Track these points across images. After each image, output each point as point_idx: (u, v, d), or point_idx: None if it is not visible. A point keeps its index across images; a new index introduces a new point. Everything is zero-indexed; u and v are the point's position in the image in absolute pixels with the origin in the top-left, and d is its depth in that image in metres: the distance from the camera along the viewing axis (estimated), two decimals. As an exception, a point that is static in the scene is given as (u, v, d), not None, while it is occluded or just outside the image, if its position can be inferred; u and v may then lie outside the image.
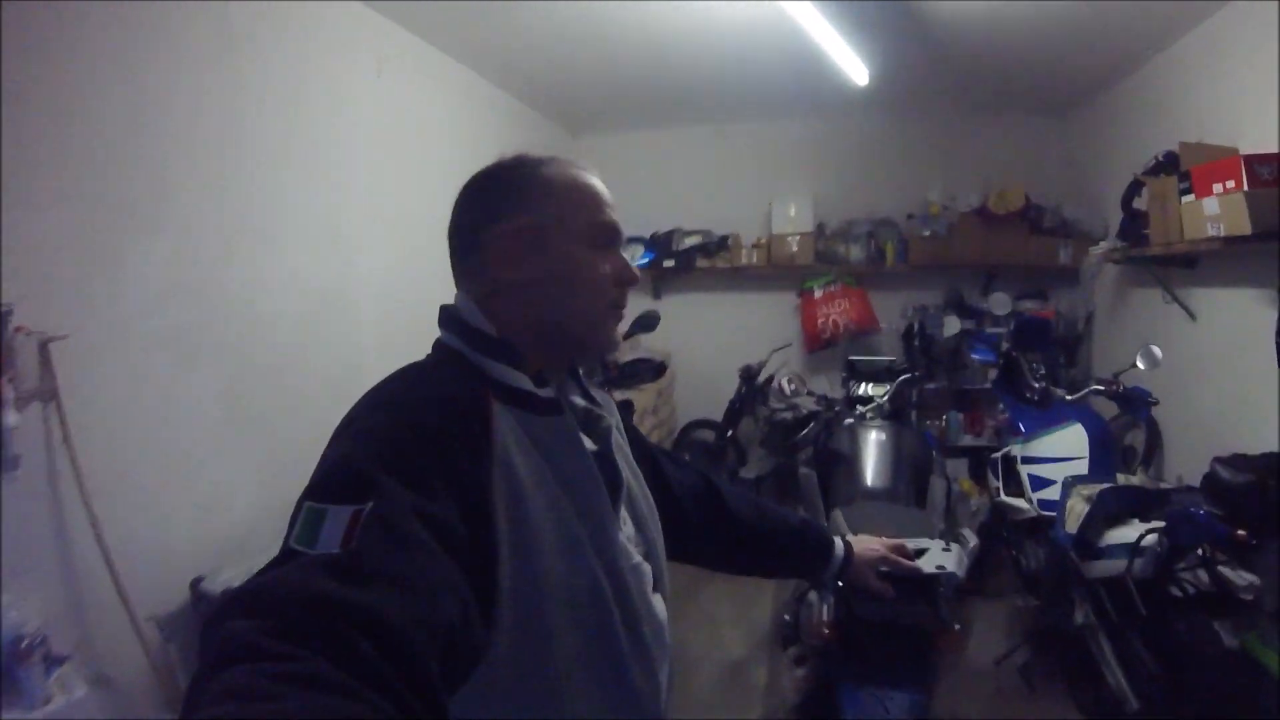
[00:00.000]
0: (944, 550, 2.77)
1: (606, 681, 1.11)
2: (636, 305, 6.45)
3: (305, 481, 0.93)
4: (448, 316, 1.20)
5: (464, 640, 0.90)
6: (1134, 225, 4.89)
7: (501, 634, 0.97)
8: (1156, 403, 4.21)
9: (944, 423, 6.03)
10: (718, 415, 6.38)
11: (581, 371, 1.35)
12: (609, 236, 1.23)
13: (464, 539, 0.93)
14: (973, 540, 3.44)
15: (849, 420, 4.29)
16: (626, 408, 4.07)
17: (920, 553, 2.76)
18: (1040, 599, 3.85)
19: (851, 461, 3.91)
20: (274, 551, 0.90)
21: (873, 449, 3.94)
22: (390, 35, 4.37)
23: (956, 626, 2.79)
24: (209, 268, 3.14)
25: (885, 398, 4.38)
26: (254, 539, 3.16)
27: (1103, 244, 5.35)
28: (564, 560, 1.05)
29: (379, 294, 4.21)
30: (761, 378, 6.18)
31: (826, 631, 2.79)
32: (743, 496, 1.66)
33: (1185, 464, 4.54)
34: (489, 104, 5.54)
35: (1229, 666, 3.00)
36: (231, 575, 2.88)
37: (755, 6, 4.25)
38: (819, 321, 6.61)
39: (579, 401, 1.28)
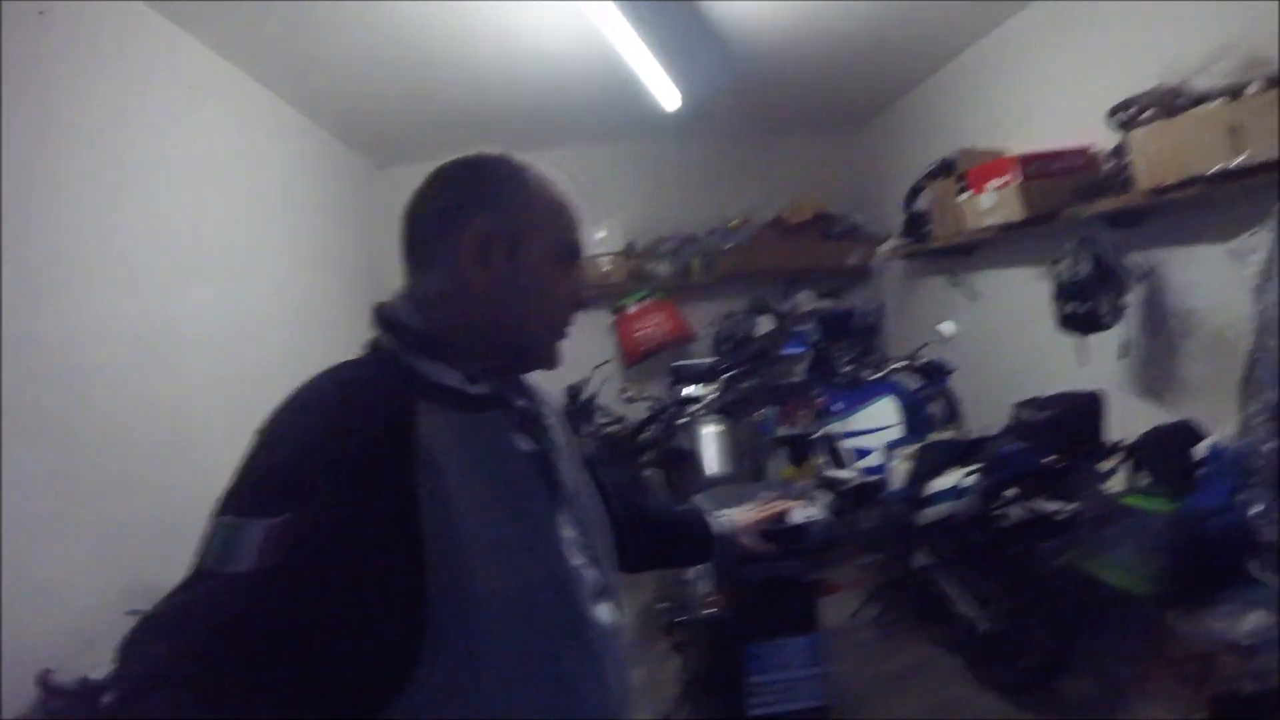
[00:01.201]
0: (805, 506, 3.05)
1: (551, 693, 1.05)
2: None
3: (148, 563, 0.93)
4: (379, 316, 1.15)
5: (389, 659, 0.89)
6: (915, 224, 5.43)
7: (429, 650, 0.92)
8: (954, 370, 4.70)
9: (765, 415, 6.31)
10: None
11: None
12: (575, 255, 1.22)
13: (387, 551, 0.90)
14: (827, 496, 3.71)
15: (682, 420, 4.55)
16: None
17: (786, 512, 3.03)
18: (880, 554, 4.19)
19: (695, 456, 4.19)
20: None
21: (713, 440, 4.24)
22: (203, 61, 4.22)
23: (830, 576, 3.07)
24: (15, 317, 2.75)
25: (716, 394, 4.65)
26: (102, 624, 2.60)
27: (889, 242, 5.89)
28: (496, 565, 1.00)
29: (204, 338, 3.90)
30: (585, 395, 6.31)
31: (720, 597, 2.95)
32: (649, 497, 1.70)
33: (983, 422, 4.92)
34: (298, 134, 5.35)
35: (1063, 579, 3.38)
36: (87, 664, 2.54)
37: (569, 33, 4.40)
38: (636, 335, 6.79)
39: (521, 403, 1.23)
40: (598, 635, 1.14)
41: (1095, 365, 3.94)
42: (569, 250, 1.20)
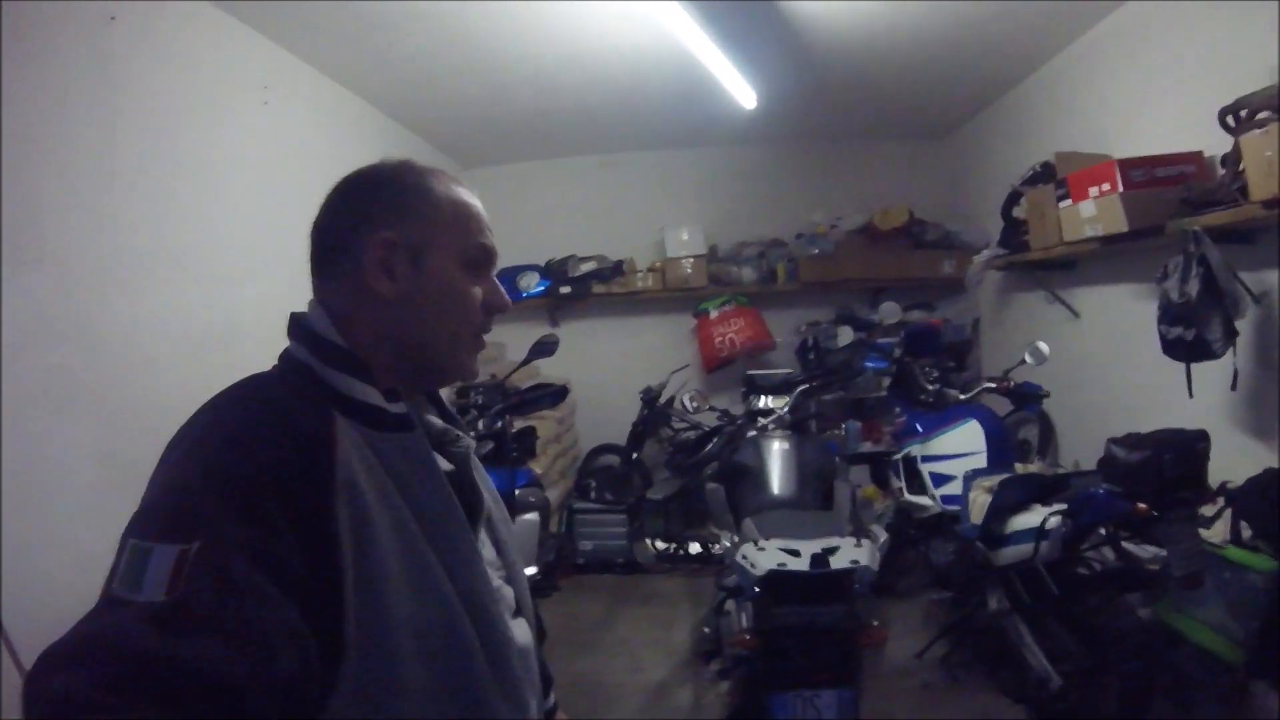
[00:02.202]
0: (855, 546, 2.77)
1: (467, 717, 1.01)
2: (534, 333, 6.46)
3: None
4: (296, 326, 1.11)
5: (304, 692, 0.83)
6: (1014, 233, 5.07)
7: (347, 678, 0.88)
8: (1047, 395, 4.40)
9: (842, 432, 6.01)
10: (621, 440, 6.36)
11: (443, 391, 1.31)
12: (485, 260, 1.18)
13: (303, 577, 0.86)
14: (883, 536, 3.46)
15: (752, 433, 4.30)
16: (529, 434, 3.99)
17: (831, 551, 2.77)
18: (953, 591, 3.93)
19: (757, 473, 3.93)
20: None
21: (777, 459, 3.97)
22: (278, 61, 4.24)
23: (875, 623, 2.82)
24: (85, 304, 2.91)
25: (786, 409, 4.39)
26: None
27: (985, 252, 5.51)
28: (415, 590, 0.97)
29: (266, 334, 3.84)
30: (662, 400, 6.16)
31: (748, 639, 2.79)
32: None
33: (1079, 452, 4.71)
34: (380, 133, 5.45)
35: (1145, 636, 3.10)
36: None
37: (642, 37, 4.28)
38: (715, 341, 6.64)
39: (435, 421, 1.22)
40: (516, 655, 1.12)
41: (1204, 397, 3.54)
42: (477, 255, 1.17)
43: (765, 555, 2.85)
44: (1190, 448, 3.07)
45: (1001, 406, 4.60)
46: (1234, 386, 3.36)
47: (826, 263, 6.64)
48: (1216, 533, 3.19)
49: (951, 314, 6.59)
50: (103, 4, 3.07)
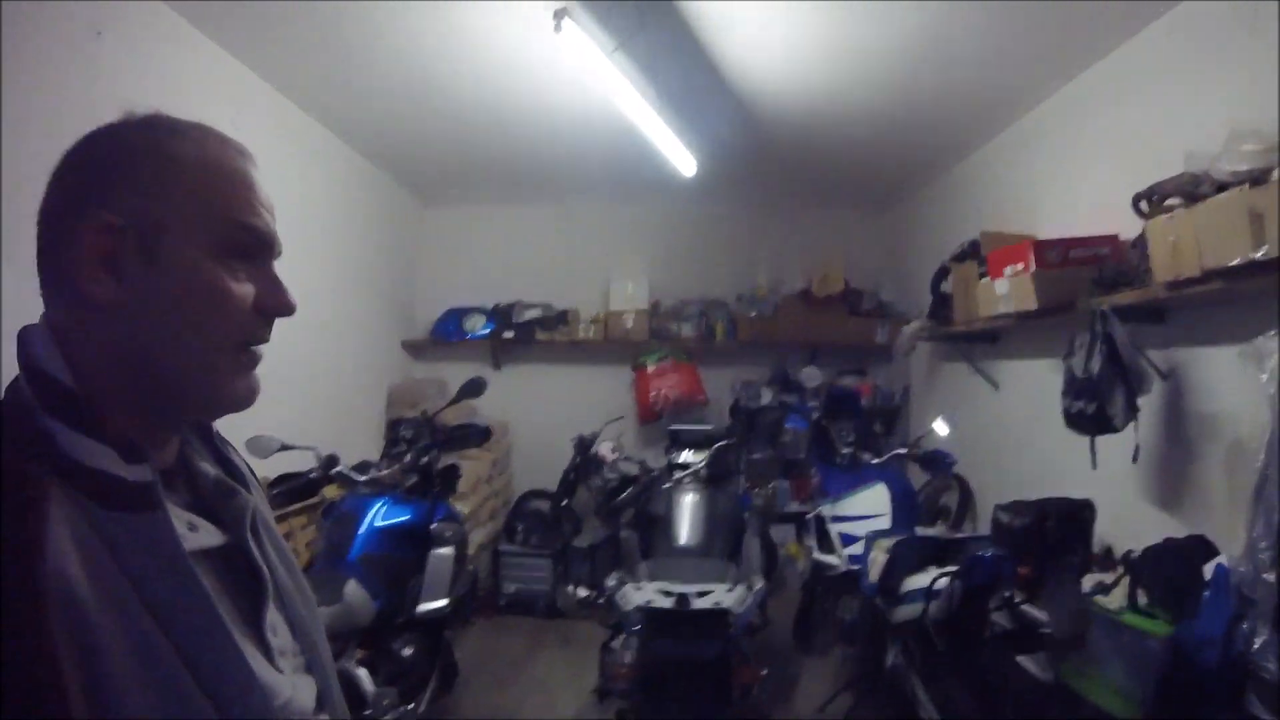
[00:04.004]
0: (727, 591, 2.84)
1: None
2: (480, 374, 6.42)
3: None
4: (20, 350, 0.81)
5: None
6: (942, 306, 5.16)
7: None
8: (954, 463, 4.44)
9: (771, 491, 6.07)
10: (555, 485, 6.28)
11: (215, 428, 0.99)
12: (252, 245, 0.87)
13: None
14: (759, 584, 3.49)
15: (666, 485, 4.39)
16: (453, 471, 3.97)
17: (703, 594, 2.86)
18: (857, 647, 3.96)
19: (667, 522, 4.03)
20: None
21: (686, 510, 4.07)
22: (248, 85, 4.22)
23: (750, 664, 2.96)
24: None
25: (702, 464, 4.45)
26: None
27: (914, 323, 5.59)
28: None
29: None
30: (594, 449, 6.10)
31: (623, 670, 2.93)
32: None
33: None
34: (345, 164, 5.47)
35: (1042, 695, 3.09)
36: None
37: (592, 98, 4.32)
38: (652, 394, 6.63)
39: (209, 470, 0.93)
40: None
41: (1116, 467, 3.56)
42: (240, 236, 0.86)
43: (639, 594, 2.96)
44: (1074, 515, 3.13)
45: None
46: (1135, 459, 3.40)
47: (764, 324, 6.71)
48: (1115, 599, 3.23)
49: (883, 380, 6.70)
50: (90, 18, 3.07)
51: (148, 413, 0.84)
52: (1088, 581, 3.40)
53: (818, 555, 4.28)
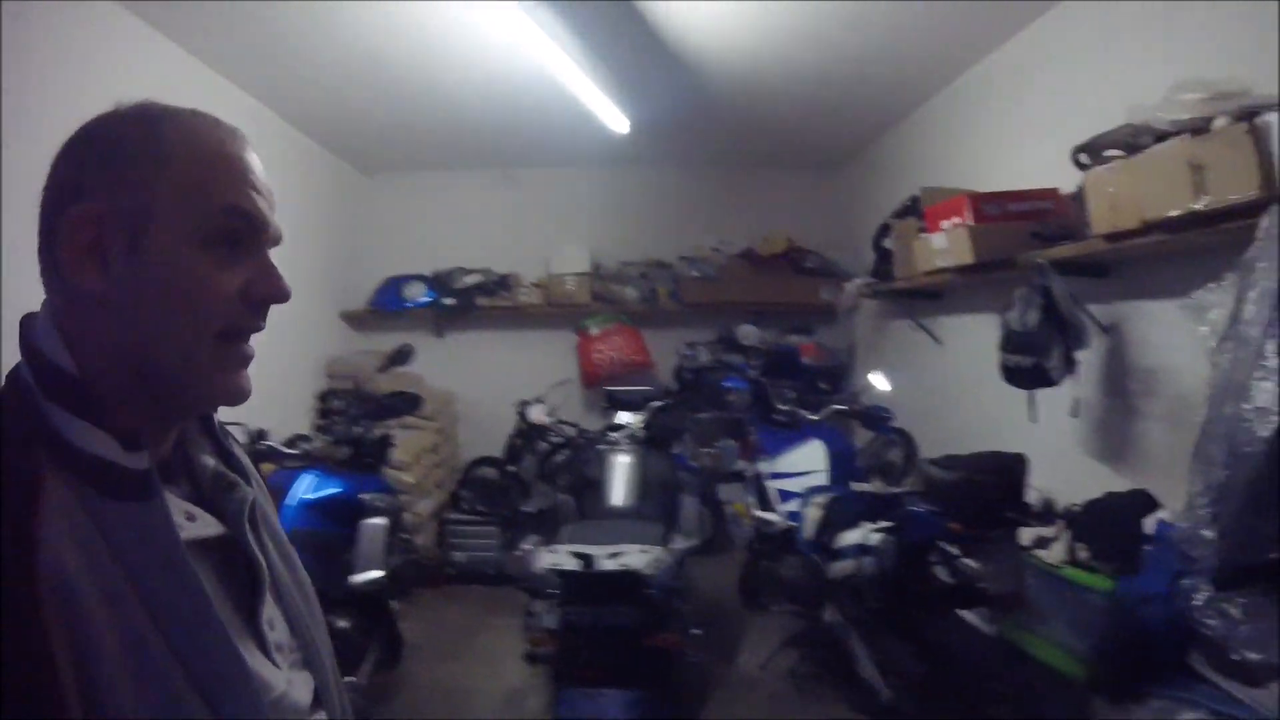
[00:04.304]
0: (641, 553, 2.81)
1: None
2: (421, 344, 6.21)
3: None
4: (23, 339, 0.80)
5: None
6: (884, 263, 5.10)
7: None
8: (892, 418, 4.45)
9: (718, 451, 5.98)
10: (503, 453, 6.21)
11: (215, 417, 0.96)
12: (242, 231, 0.83)
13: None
14: (680, 544, 3.44)
15: (600, 447, 4.33)
16: (385, 442, 3.85)
17: (615, 556, 2.78)
18: (798, 605, 3.90)
19: (599, 484, 3.98)
20: None
21: (617, 471, 4.01)
22: (177, 61, 4.02)
23: (674, 625, 2.93)
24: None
25: (639, 425, 4.38)
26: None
27: (857, 281, 5.53)
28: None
29: None
30: (527, 413, 5.98)
31: (538, 635, 2.90)
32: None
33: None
34: (278, 138, 5.27)
35: (986, 651, 3.13)
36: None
37: (528, 61, 4.17)
38: (595, 358, 6.51)
39: (209, 462, 0.91)
40: None
41: (1055, 422, 3.53)
42: (226, 225, 0.82)
43: (551, 556, 2.91)
44: (1005, 469, 3.08)
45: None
46: (1074, 414, 3.36)
47: (709, 285, 6.59)
48: (1056, 553, 3.20)
49: (828, 339, 6.61)
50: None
51: (143, 403, 0.81)
52: (1028, 535, 3.38)
53: (757, 513, 4.27)
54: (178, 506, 0.81)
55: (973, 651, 3.15)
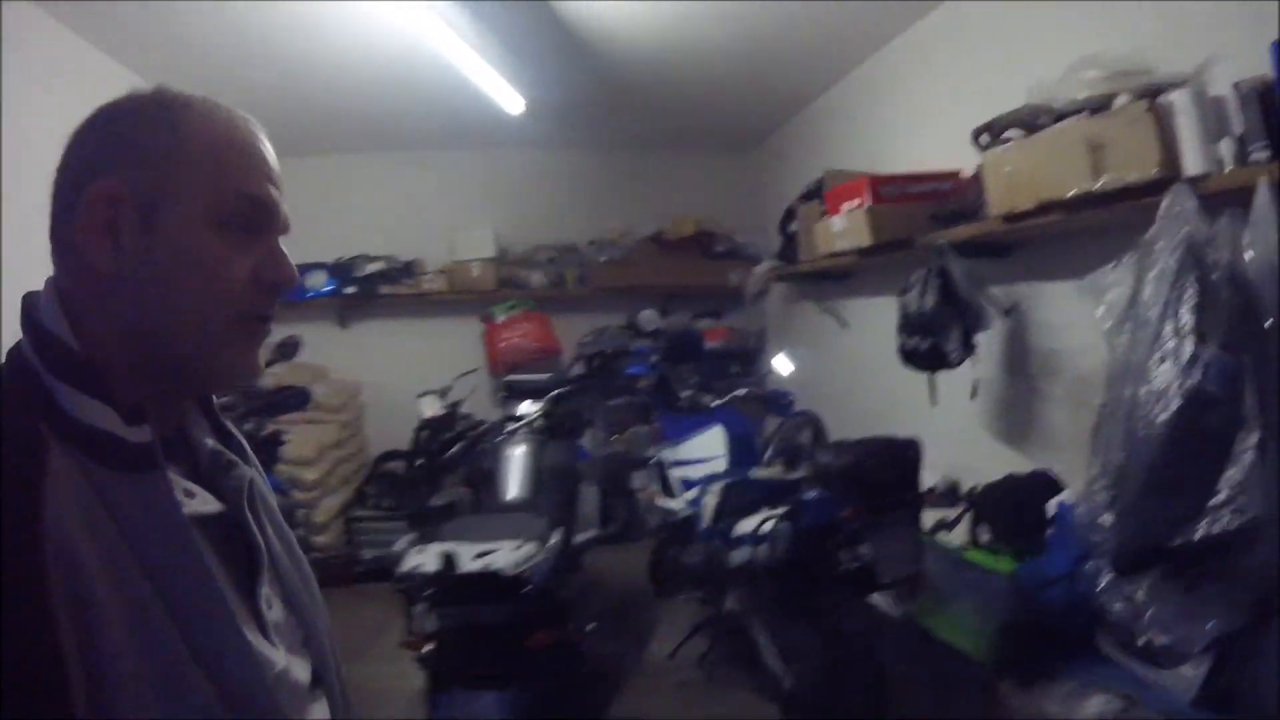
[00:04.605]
0: (514, 549, 2.72)
1: None
2: (323, 334, 5.91)
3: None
4: (25, 315, 0.79)
5: None
6: (790, 247, 5.05)
7: None
8: (793, 402, 4.45)
9: (630, 437, 5.88)
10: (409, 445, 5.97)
11: (215, 400, 0.95)
12: (255, 217, 0.84)
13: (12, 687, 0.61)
14: (558, 539, 3.33)
15: (498, 438, 4.18)
16: (275, 440, 3.63)
17: (483, 554, 2.66)
18: (703, 592, 3.84)
19: (493, 477, 3.86)
20: None
21: (509, 463, 3.86)
22: (65, 43, 3.79)
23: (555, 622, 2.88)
24: None
25: (538, 415, 4.22)
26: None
27: (764, 264, 5.47)
28: (163, 696, 0.68)
29: None
30: (447, 404, 5.78)
31: (409, 640, 2.83)
32: None
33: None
34: None
35: (899, 637, 3.12)
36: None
37: (416, 36, 4.00)
38: (502, 345, 6.30)
39: (208, 442, 0.89)
40: None
41: (960, 404, 3.50)
42: (242, 208, 0.82)
43: (418, 556, 2.79)
44: (899, 455, 3.02)
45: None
46: (973, 395, 3.32)
47: (618, 269, 6.45)
48: (958, 536, 3.16)
49: (740, 323, 6.53)
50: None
51: (150, 382, 0.81)
52: (931, 518, 3.33)
53: (660, 500, 4.19)
54: (176, 483, 0.79)
55: (881, 636, 3.11)
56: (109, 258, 0.77)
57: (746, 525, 3.20)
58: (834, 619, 3.02)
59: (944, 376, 3.43)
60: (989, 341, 3.40)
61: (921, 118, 4.18)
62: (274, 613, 0.86)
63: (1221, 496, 1.77)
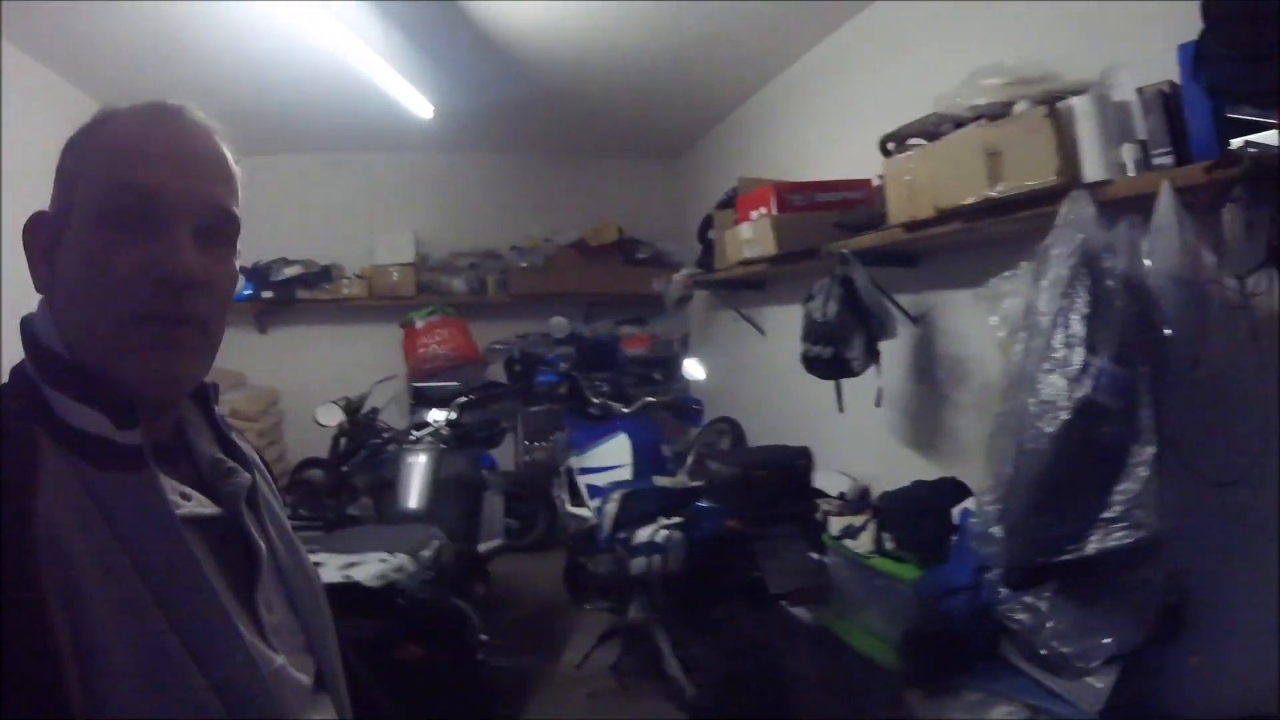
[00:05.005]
0: (379, 562, 2.59)
1: None
2: (240, 341, 5.63)
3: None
4: (24, 333, 0.81)
5: None
6: (709, 254, 4.97)
7: None
8: (701, 409, 4.47)
9: (550, 444, 5.75)
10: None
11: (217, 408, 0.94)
12: (143, 208, 0.77)
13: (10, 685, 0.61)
14: (430, 550, 3.19)
15: (401, 447, 4.10)
16: None
17: (349, 567, 2.53)
18: (610, 601, 3.71)
19: (394, 487, 3.78)
20: None
21: (409, 473, 3.78)
22: None
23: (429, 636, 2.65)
24: None
25: (443, 423, 4.11)
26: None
27: (683, 271, 5.37)
28: (151, 691, 0.68)
29: None
30: (366, 412, 5.52)
31: None
32: None
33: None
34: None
35: (809, 643, 2.99)
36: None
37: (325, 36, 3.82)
38: (421, 352, 6.10)
39: (206, 449, 0.88)
40: None
41: (872, 411, 3.40)
42: (124, 200, 0.78)
43: None
44: (787, 464, 2.93)
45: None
46: (878, 403, 3.23)
47: (539, 275, 6.30)
48: (864, 542, 3.07)
49: (662, 330, 6.42)
50: None
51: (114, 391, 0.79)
52: (838, 525, 3.25)
53: (570, 508, 4.11)
54: (172, 486, 0.79)
55: (791, 644, 2.98)
56: (45, 279, 0.80)
57: (643, 535, 3.11)
58: (734, 629, 2.91)
59: (857, 383, 3.34)
60: (899, 349, 3.33)
61: (842, 125, 4.10)
62: (274, 615, 0.85)
63: (1114, 511, 1.68)
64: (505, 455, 5.76)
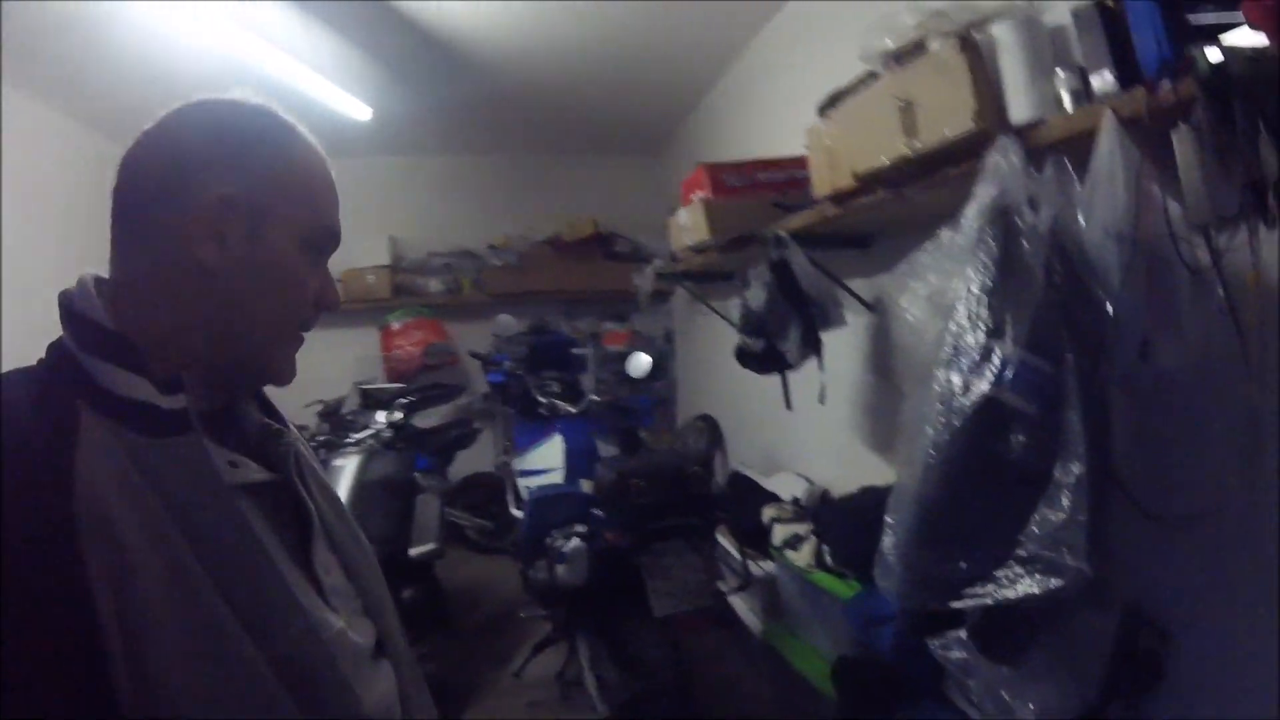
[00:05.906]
0: None
1: None
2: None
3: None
4: (61, 307, 0.74)
5: None
6: None
7: None
8: (647, 409, 4.10)
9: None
10: (311, 456, 5.32)
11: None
12: (327, 245, 0.84)
13: (47, 660, 0.58)
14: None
15: (325, 452, 3.68)
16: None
17: None
18: (545, 609, 3.41)
19: None
20: None
21: (337, 477, 3.40)
22: None
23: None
24: None
25: (385, 425, 3.77)
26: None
27: (656, 263, 4.85)
28: (206, 661, 0.63)
29: None
30: (343, 412, 5.14)
31: None
32: None
33: (747, 459, 4.26)
34: (32, 120, 4.30)
35: (751, 663, 2.80)
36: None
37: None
38: (397, 354, 5.70)
39: (255, 415, 0.85)
40: (374, 708, 0.77)
41: (836, 409, 2.87)
42: (321, 238, 0.83)
43: None
44: (675, 473, 2.49)
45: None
46: (821, 400, 2.70)
47: (514, 274, 5.85)
48: (804, 556, 2.61)
49: (645, 325, 5.96)
50: None
51: (210, 371, 0.78)
52: (782, 533, 2.79)
53: (513, 511, 3.78)
54: (220, 453, 0.75)
55: (731, 659, 2.73)
56: (214, 256, 0.76)
57: (559, 542, 2.75)
58: (641, 646, 2.55)
59: (820, 378, 2.84)
60: (853, 340, 2.83)
61: (810, 98, 3.59)
62: (332, 578, 0.82)
63: (1028, 550, 1.17)
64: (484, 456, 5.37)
